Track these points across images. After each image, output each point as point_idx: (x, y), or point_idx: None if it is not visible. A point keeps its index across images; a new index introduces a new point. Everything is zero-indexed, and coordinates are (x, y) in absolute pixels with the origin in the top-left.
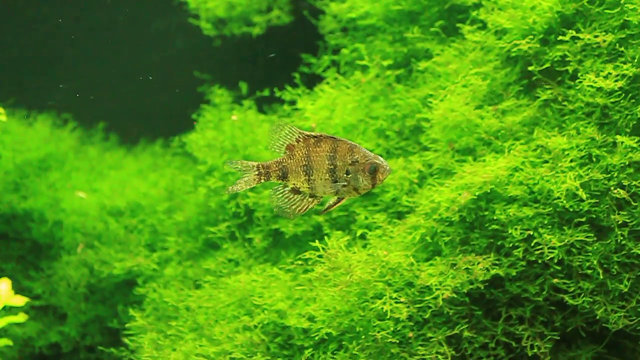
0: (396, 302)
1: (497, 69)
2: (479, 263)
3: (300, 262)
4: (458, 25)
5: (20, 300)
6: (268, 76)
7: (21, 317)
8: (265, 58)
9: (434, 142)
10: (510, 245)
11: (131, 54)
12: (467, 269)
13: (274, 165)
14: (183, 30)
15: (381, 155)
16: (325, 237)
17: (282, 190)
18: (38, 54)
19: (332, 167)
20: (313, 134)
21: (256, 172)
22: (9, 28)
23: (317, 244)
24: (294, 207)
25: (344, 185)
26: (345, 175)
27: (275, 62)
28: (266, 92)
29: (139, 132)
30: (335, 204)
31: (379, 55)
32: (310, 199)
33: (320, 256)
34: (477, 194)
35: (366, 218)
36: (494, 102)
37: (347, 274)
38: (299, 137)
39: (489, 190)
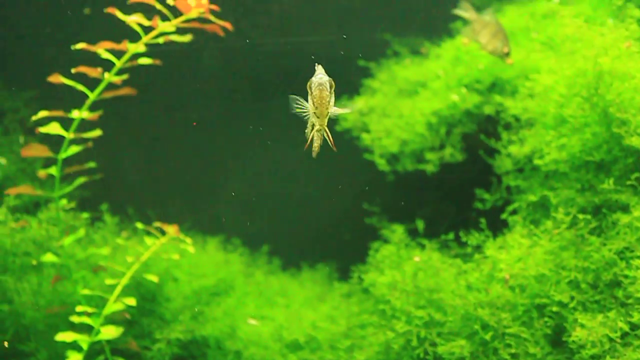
0: None
1: None
2: None
3: None
4: None
5: None
6: (442, 214)
7: None
8: (442, 194)
9: (638, 302)
10: None
11: (298, 184)
12: None
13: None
14: (352, 161)
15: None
16: None
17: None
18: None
19: (309, 95)
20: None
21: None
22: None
23: None
24: (314, 143)
25: (315, 110)
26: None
27: (450, 199)
28: (450, 236)
29: (302, 257)
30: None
31: (574, 208)
32: (317, 133)
33: None
34: None
35: None
36: None
37: None
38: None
39: None
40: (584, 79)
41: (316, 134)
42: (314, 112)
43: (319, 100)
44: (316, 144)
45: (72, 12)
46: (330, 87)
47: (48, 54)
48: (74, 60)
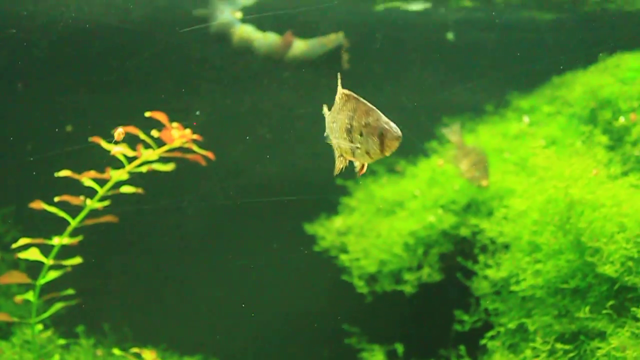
0: None
1: None
2: None
3: None
4: (628, 306)
5: None
6: (421, 335)
7: None
8: (421, 317)
9: None
10: None
11: (276, 304)
12: None
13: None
14: (331, 282)
15: None
16: None
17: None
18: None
19: (349, 127)
20: (344, 93)
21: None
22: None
23: None
24: (336, 165)
25: (358, 148)
26: (359, 136)
27: (429, 320)
28: None
29: None
30: (361, 169)
31: (552, 336)
32: (340, 158)
33: None
34: None
35: None
36: None
37: None
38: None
39: None
40: (556, 207)
41: (342, 160)
42: (366, 153)
43: (389, 149)
44: (341, 166)
45: (53, 132)
46: None
47: (27, 172)
48: (53, 180)
